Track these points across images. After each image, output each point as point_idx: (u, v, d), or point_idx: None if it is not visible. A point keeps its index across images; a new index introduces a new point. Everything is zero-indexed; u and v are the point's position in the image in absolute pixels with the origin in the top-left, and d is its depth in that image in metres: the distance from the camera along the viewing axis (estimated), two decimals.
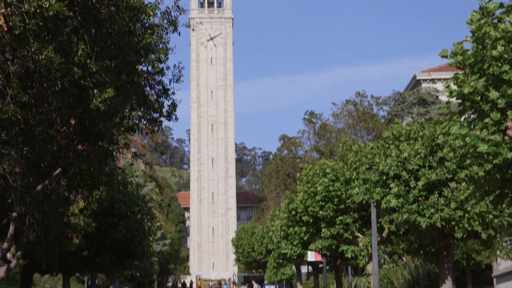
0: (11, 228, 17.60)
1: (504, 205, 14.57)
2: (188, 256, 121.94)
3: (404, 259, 50.57)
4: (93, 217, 30.88)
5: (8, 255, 22.97)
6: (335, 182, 36.54)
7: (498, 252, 40.09)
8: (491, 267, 52.53)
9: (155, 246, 57.85)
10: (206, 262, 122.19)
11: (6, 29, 14.37)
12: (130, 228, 34.93)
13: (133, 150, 37.35)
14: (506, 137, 11.34)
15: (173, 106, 20.16)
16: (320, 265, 51.32)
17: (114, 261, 34.67)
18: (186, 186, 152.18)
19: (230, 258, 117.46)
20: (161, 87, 19.96)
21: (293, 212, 37.75)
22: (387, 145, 21.97)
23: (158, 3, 17.89)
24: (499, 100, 11.15)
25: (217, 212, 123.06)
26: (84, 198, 21.93)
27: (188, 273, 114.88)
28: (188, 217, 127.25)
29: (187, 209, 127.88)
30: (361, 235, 35.34)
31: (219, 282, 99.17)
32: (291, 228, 40.44)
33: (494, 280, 51.91)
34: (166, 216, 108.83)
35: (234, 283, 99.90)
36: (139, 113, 20.13)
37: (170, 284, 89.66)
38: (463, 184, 19.97)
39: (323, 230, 36.33)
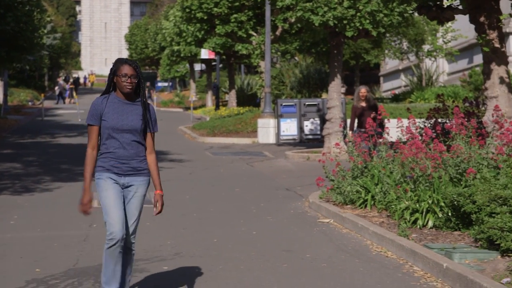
0: None
1: (394, 4, 14.76)
2: (80, 51, 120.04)
3: (296, 58, 51.35)
4: None
5: None
6: None
7: (386, 51, 41.16)
8: (379, 66, 54.17)
9: (45, 40, 56.46)
10: (98, 58, 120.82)
11: None
12: (18, 21, 33.74)
13: None
14: None
15: None
16: (213, 63, 51.59)
17: (2, 53, 33.75)
18: None
19: (123, 54, 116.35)
20: None
21: (188, 10, 37.28)
22: None
23: None
24: None
25: (110, 7, 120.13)
26: None
27: (80, 69, 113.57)
28: (80, 11, 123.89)
29: (78, 2, 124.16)
30: (255, 33, 35.48)
31: None
32: (184, 25, 40.06)
33: (381, 78, 53.74)
34: (56, 9, 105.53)
35: None
36: None
37: (63, 78, 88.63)
38: None
39: (217, 27, 36.21)
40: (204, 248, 9.32)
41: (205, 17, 36.26)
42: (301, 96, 41.41)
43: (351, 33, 20.48)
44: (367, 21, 20.13)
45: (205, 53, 44.50)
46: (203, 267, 8.28)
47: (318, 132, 26.72)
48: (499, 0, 11.71)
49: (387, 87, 51.01)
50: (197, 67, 68.18)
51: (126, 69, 6.11)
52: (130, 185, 6.22)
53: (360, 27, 20.42)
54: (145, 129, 6.20)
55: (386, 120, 13.39)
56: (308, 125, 27.15)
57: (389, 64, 51.00)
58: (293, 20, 23.21)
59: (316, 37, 32.68)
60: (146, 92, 48.97)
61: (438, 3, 12.37)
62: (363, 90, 16.30)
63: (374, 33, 20.99)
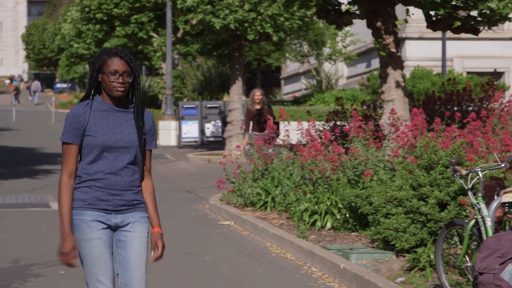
0: None
1: (295, 8, 14.91)
2: None
3: (197, 60, 51.28)
4: None
5: None
6: None
7: (287, 55, 41.59)
8: (280, 69, 54.70)
9: None
10: None
11: None
12: None
13: None
14: None
15: None
16: None
17: None
18: None
19: (20, 54, 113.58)
20: None
21: (87, 10, 36.71)
22: None
23: None
24: None
25: (6, 5, 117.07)
26: None
27: None
28: None
29: None
30: (155, 35, 35.24)
31: (11, 79, 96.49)
32: (84, 26, 39.44)
33: (282, 81, 54.26)
34: None
35: (21, 79, 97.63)
36: None
37: None
38: None
39: (117, 28, 35.78)
40: None
41: (105, 18, 35.80)
42: (202, 98, 41.37)
43: (252, 36, 20.61)
44: (268, 24, 20.31)
45: None
46: None
47: (220, 135, 26.74)
48: (394, 5, 11.99)
49: (288, 90, 51.53)
50: None
51: (116, 64, 4.34)
52: (126, 224, 4.43)
53: (261, 31, 20.57)
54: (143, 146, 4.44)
55: (286, 123, 13.52)
56: (209, 128, 27.14)
57: (290, 67, 51.55)
58: (194, 22, 23.19)
59: (218, 39, 32.74)
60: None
61: (336, 8, 12.57)
62: (257, 93, 16.42)
63: (275, 38, 21.20)
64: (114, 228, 4.40)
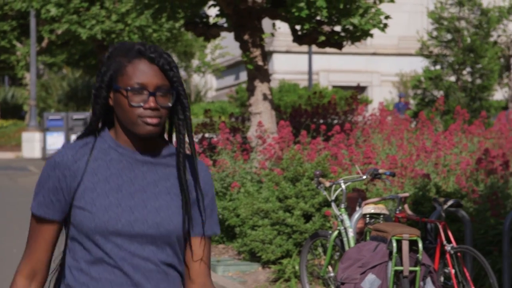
0: None
1: (163, 19, 14.87)
2: None
3: (64, 70, 50.26)
4: None
5: None
6: None
7: None
8: None
9: None
10: None
11: None
12: None
13: None
14: None
15: None
16: None
17: None
18: None
19: None
20: None
21: None
22: None
23: None
24: None
25: None
26: None
27: None
28: None
29: None
30: (19, 44, 34.29)
31: None
32: None
33: None
34: None
35: None
36: None
37: None
38: None
39: None
40: None
41: None
42: (68, 110, 40.55)
43: None
44: (136, 35, 20.19)
45: None
46: None
47: None
48: (261, 19, 12.15)
49: None
50: None
51: (142, 73, 2.09)
52: None
53: None
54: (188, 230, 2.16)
55: None
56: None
57: None
58: (60, 32, 22.76)
59: (84, 49, 32.19)
60: None
61: (204, 20, 12.61)
62: None
63: None
64: None
